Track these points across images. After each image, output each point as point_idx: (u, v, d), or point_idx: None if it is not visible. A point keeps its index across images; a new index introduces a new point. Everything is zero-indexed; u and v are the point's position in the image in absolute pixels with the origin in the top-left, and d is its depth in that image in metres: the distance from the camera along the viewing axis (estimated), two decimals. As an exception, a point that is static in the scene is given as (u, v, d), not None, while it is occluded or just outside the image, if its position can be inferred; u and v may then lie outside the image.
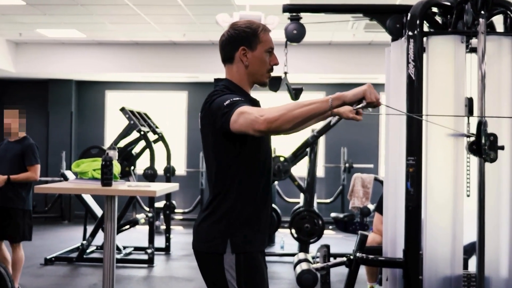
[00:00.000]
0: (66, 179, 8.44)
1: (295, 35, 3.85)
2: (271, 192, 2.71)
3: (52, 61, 11.24)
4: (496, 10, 3.50)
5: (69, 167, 10.24)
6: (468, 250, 3.62)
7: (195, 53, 10.96)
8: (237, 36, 2.63)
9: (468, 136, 3.29)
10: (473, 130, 3.24)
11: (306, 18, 3.89)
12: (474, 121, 3.32)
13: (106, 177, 3.86)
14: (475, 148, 3.16)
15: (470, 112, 3.39)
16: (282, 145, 9.08)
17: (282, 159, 7.43)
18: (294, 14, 3.88)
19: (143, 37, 10.56)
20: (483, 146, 3.06)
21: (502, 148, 3.10)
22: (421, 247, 3.43)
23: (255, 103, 2.63)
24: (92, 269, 7.31)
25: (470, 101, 3.41)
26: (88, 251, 7.82)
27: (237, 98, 2.46)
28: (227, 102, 2.45)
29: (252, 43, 2.62)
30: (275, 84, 4.01)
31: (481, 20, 3.21)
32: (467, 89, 3.45)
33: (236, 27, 2.66)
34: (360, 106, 2.39)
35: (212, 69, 10.73)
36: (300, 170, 8.43)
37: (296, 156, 7.56)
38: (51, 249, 8.34)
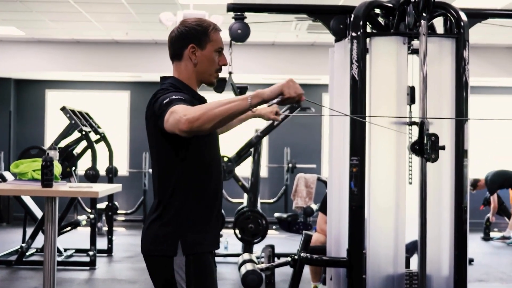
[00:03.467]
0: (4, 180, 8.23)
1: (240, 35, 3.85)
2: (221, 193, 2.68)
3: (-10, 59, 10.98)
4: (436, 12, 3.57)
5: (7, 168, 10.00)
6: (410, 249, 3.68)
7: (138, 52, 10.85)
8: (187, 33, 2.60)
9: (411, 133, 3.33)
10: (415, 129, 3.30)
11: (250, 18, 3.89)
12: (415, 111, 3.38)
13: (47, 178, 3.77)
14: (417, 148, 3.21)
15: (412, 100, 3.43)
16: (226, 145, 9.06)
17: (226, 159, 7.41)
18: (238, 13, 3.87)
19: (85, 36, 10.40)
20: (425, 146, 3.10)
21: (443, 148, 3.15)
22: (364, 247, 3.46)
23: (202, 101, 2.60)
24: (32, 272, 7.15)
25: (412, 90, 3.46)
26: (27, 254, 7.64)
27: (176, 97, 2.42)
28: (165, 100, 2.41)
29: (202, 41, 2.59)
30: (220, 85, 3.99)
31: (422, 22, 3.26)
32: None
33: (187, 24, 2.63)
34: (275, 101, 2.29)
35: (155, 69, 10.65)
36: (244, 170, 8.43)
37: (240, 156, 7.56)
38: (-11, 252, 8.13)
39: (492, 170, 9.81)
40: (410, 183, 3.40)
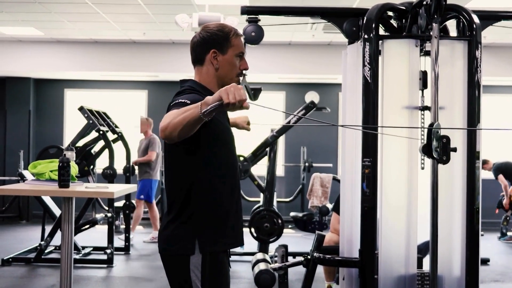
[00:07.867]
0: (23, 178, 8.34)
1: (254, 37, 3.88)
2: (238, 190, 2.72)
3: (10, 59, 11.09)
4: (449, 15, 3.57)
5: (27, 167, 10.11)
6: (423, 249, 3.69)
7: (155, 52, 10.92)
8: (208, 38, 2.65)
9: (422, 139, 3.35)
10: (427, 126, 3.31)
11: (265, 19, 3.92)
12: (427, 97, 3.40)
13: (63, 179, 3.84)
14: (428, 150, 3.23)
15: (424, 85, 3.44)
16: (242, 145, 9.10)
17: (241, 158, 7.45)
18: (252, 16, 3.91)
19: (103, 36, 10.49)
20: (436, 148, 3.12)
21: (454, 150, 3.17)
22: (376, 247, 3.49)
23: None
24: (51, 269, 7.24)
25: (424, 74, 3.47)
26: (46, 251, 7.74)
27: (181, 100, 2.48)
28: (171, 103, 2.50)
29: (223, 46, 2.65)
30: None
31: (434, 24, 3.28)
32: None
33: (208, 29, 2.68)
34: (211, 106, 2.21)
35: (173, 68, 10.71)
36: (260, 169, 8.46)
37: (256, 155, 7.58)
38: (9, 249, 8.23)
39: (500, 161, 10.39)
40: (423, 168, 3.43)
